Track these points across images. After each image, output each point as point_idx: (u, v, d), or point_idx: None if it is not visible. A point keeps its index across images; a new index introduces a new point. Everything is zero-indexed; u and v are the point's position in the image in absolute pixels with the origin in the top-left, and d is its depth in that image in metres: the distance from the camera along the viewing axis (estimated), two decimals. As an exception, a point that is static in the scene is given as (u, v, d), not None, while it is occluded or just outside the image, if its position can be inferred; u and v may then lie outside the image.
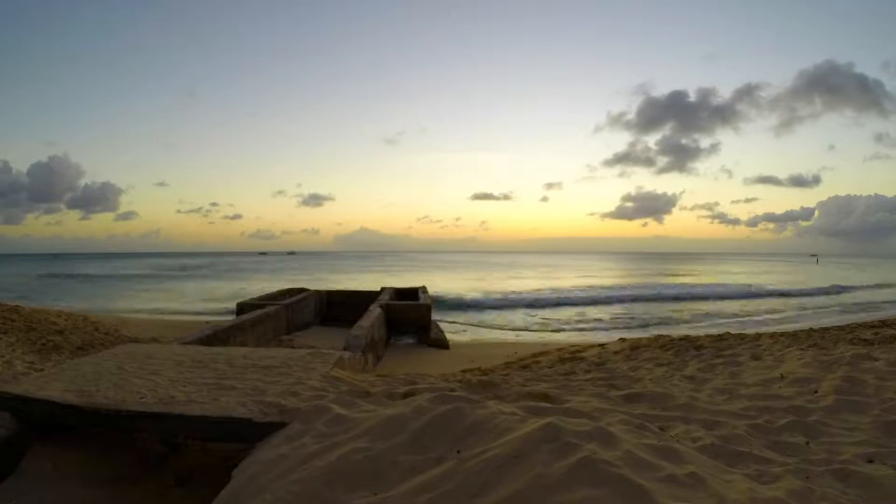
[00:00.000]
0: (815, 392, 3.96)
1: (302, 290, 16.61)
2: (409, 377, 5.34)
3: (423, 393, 3.68)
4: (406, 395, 3.85)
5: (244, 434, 3.33)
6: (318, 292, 16.15)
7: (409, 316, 12.53)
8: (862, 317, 16.93)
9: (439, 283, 34.16)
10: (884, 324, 8.25)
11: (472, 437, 2.59)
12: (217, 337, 8.26)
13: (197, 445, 4.17)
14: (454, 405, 2.94)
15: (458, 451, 2.47)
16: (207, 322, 14.15)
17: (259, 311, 11.00)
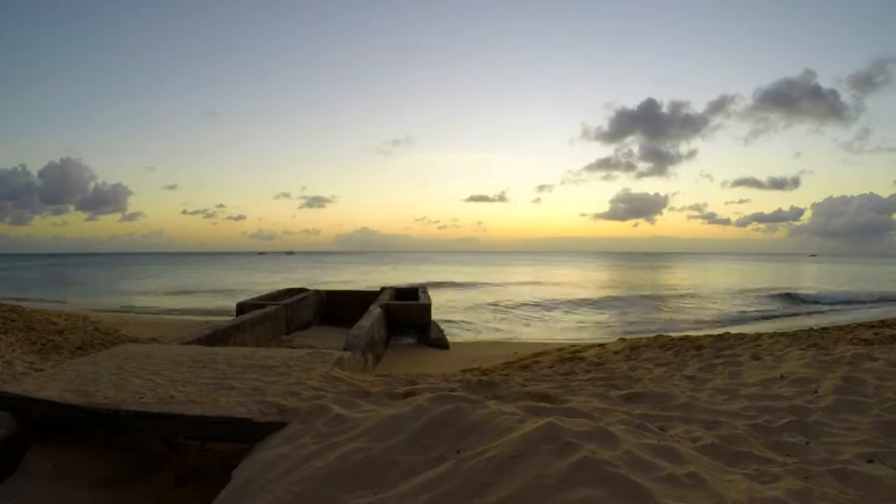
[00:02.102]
0: (815, 392, 3.96)
1: (302, 290, 16.61)
2: (409, 377, 5.34)
3: (423, 393, 3.68)
4: (406, 395, 3.85)
5: (244, 434, 3.33)
6: (318, 292, 16.14)
7: (409, 316, 12.53)
8: None
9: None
10: (884, 324, 8.25)
11: (472, 437, 2.59)
12: (217, 337, 8.26)
13: (197, 445, 4.17)
14: (454, 405, 2.94)
15: (458, 451, 2.47)
16: (207, 322, 14.15)
17: (259, 311, 10.99)
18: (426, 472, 2.35)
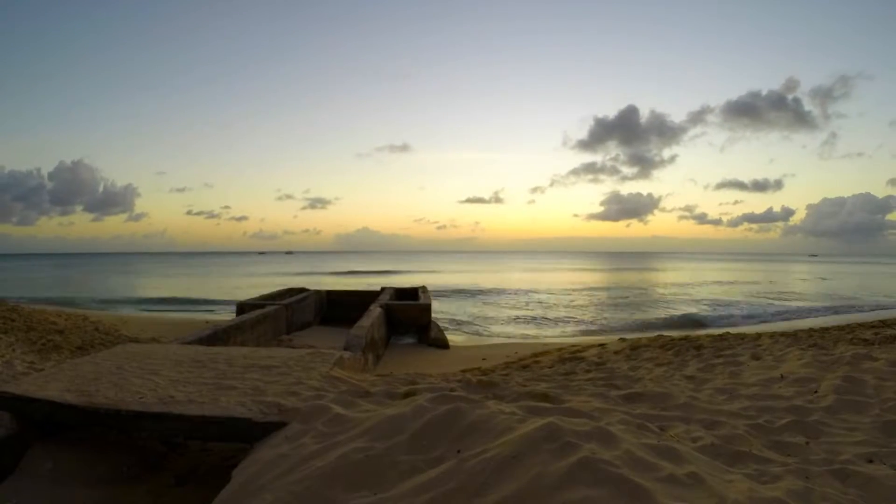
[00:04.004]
0: (815, 392, 3.96)
1: (302, 289, 16.61)
2: (409, 377, 5.33)
3: (423, 393, 3.68)
4: (406, 395, 3.84)
5: (244, 434, 3.33)
6: (318, 292, 16.14)
7: (409, 316, 12.53)
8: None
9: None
10: (884, 324, 8.25)
11: (472, 437, 2.59)
12: (217, 337, 8.26)
13: (197, 445, 4.17)
14: (454, 405, 2.94)
15: (458, 451, 2.47)
16: (207, 322, 14.15)
17: (259, 311, 10.99)
18: (426, 472, 2.35)
